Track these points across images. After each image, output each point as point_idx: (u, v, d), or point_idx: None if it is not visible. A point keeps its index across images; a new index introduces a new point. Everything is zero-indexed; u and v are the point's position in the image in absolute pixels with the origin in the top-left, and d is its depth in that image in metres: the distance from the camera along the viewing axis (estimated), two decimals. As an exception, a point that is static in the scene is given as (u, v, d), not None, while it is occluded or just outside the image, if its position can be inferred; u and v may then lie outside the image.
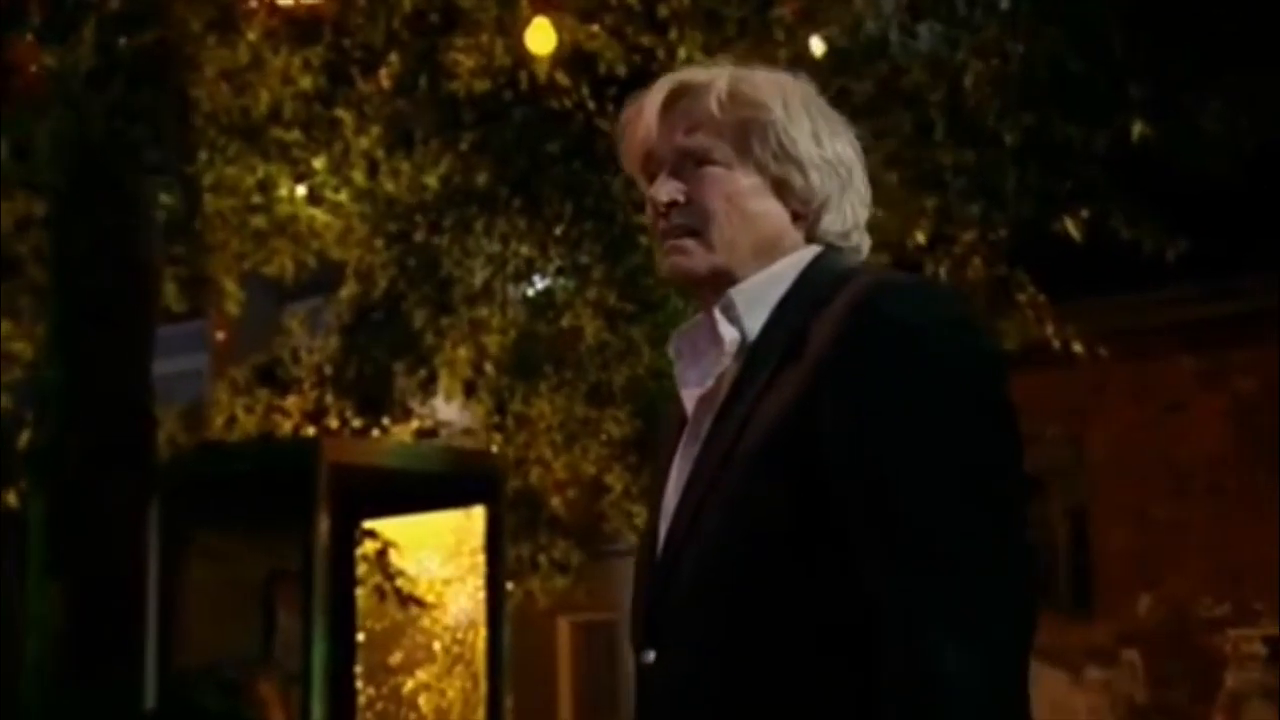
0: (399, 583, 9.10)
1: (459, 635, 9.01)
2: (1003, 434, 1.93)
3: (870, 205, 2.20)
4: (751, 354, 2.07)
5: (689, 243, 2.12)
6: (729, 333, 2.08)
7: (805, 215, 2.13)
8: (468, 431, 9.31)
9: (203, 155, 8.41)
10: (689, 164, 2.12)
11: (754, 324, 2.08)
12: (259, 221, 8.76)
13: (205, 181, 8.47)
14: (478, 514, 8.73)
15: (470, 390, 8.93)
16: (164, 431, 8.48)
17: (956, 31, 7.16)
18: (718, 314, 2.09)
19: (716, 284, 2.11)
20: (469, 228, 8.72)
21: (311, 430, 8.79)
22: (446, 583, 9.14)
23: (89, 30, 5.61)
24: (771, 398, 2.00)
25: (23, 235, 8.18)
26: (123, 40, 5.82)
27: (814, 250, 2.13)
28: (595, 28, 7.87)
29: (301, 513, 7.99)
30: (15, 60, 5.59)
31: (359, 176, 8.80)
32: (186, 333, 11.73)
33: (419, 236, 8.76)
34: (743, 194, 2.10)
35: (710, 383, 2.10)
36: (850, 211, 2.16)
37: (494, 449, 9.04)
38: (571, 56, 7.74)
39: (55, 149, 6.59)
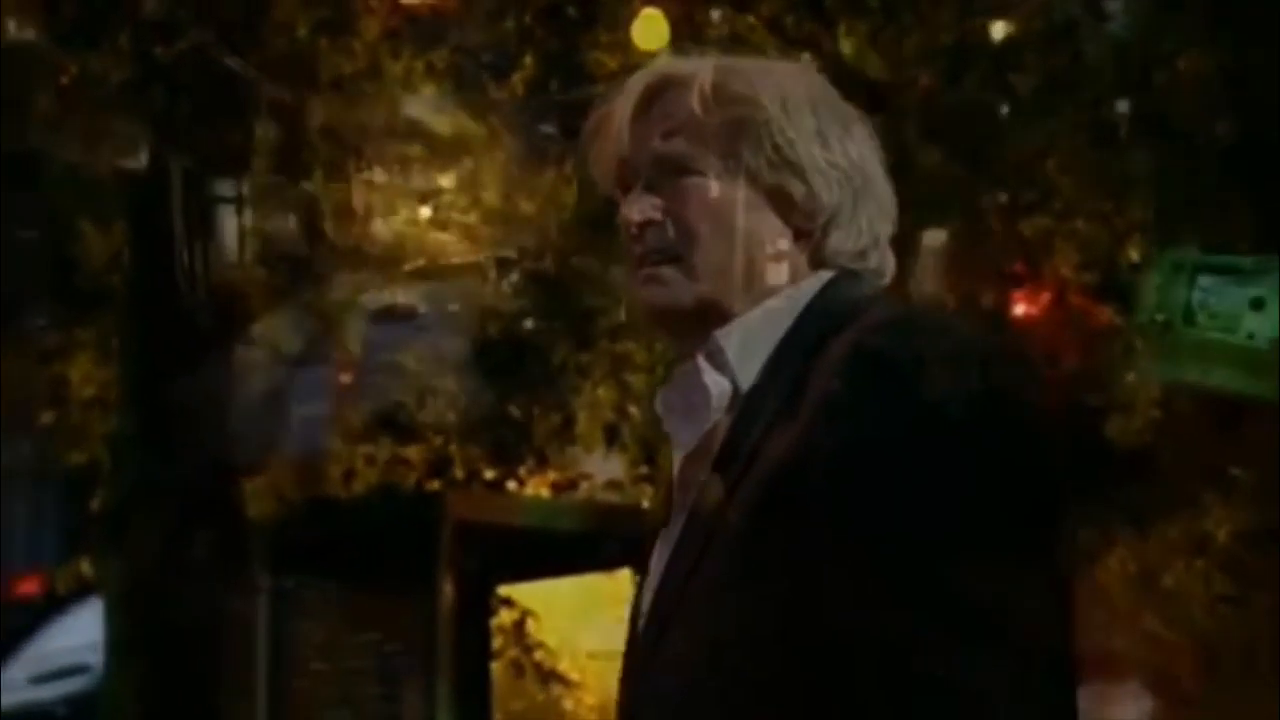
0: (538, 656, 9.04)
1: (608, 717, 8.88)
2: (1014, 482, 1.77)
3: (894, 220, 2.05)
4: (745, 405, 1.92)
5: (668, 271, 1.98)
6: (717, 384, 1.93)
7: (810, 232, 1.99)
8: (612, 484, 9.22)
9: (316, 174, 8.44)
10: (668, 175, 1.99)
11: (749, 370, 1.93)
12: (379, 248, 8.75)
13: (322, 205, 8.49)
14: (624, 577, 8.64)
15: (613, 437, 8.82)
16: (272, 485, 8.49)
17: (1156, 15, 6.91)
18: (702, 362, 1.94)
19: (703, 320, 1.97)
20: (610, 252, 8.62)
21: (435, 484, 8.77)
22: (592, 656, 9.04)
23: (123, 37, 5.62)
24: (765, 458, 1.85)
25: (116, 268, 8.27)
26: (159, 49, 5.82)
27: (823, 277, 1.99)
28: (751, 18, 7.75)
29: (424, 577, 8.02)
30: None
31: (491, 195, 8.74)
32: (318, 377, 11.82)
33: (554, 262, 8.69)
34: (732, 209, 1.96)
35: (695, 443, 1.95)
36: (867, 226, 2.00)
37: (642, 504, 8.94)
38: (726, 50, 7.61)
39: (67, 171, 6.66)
